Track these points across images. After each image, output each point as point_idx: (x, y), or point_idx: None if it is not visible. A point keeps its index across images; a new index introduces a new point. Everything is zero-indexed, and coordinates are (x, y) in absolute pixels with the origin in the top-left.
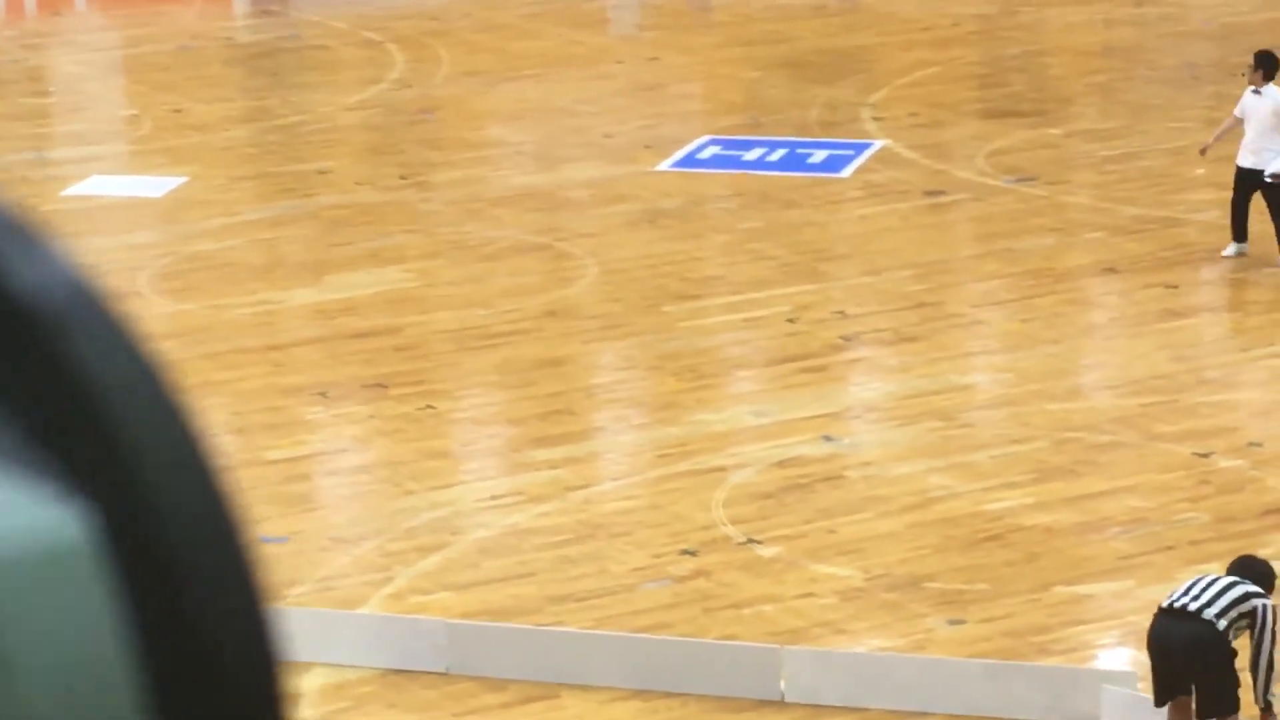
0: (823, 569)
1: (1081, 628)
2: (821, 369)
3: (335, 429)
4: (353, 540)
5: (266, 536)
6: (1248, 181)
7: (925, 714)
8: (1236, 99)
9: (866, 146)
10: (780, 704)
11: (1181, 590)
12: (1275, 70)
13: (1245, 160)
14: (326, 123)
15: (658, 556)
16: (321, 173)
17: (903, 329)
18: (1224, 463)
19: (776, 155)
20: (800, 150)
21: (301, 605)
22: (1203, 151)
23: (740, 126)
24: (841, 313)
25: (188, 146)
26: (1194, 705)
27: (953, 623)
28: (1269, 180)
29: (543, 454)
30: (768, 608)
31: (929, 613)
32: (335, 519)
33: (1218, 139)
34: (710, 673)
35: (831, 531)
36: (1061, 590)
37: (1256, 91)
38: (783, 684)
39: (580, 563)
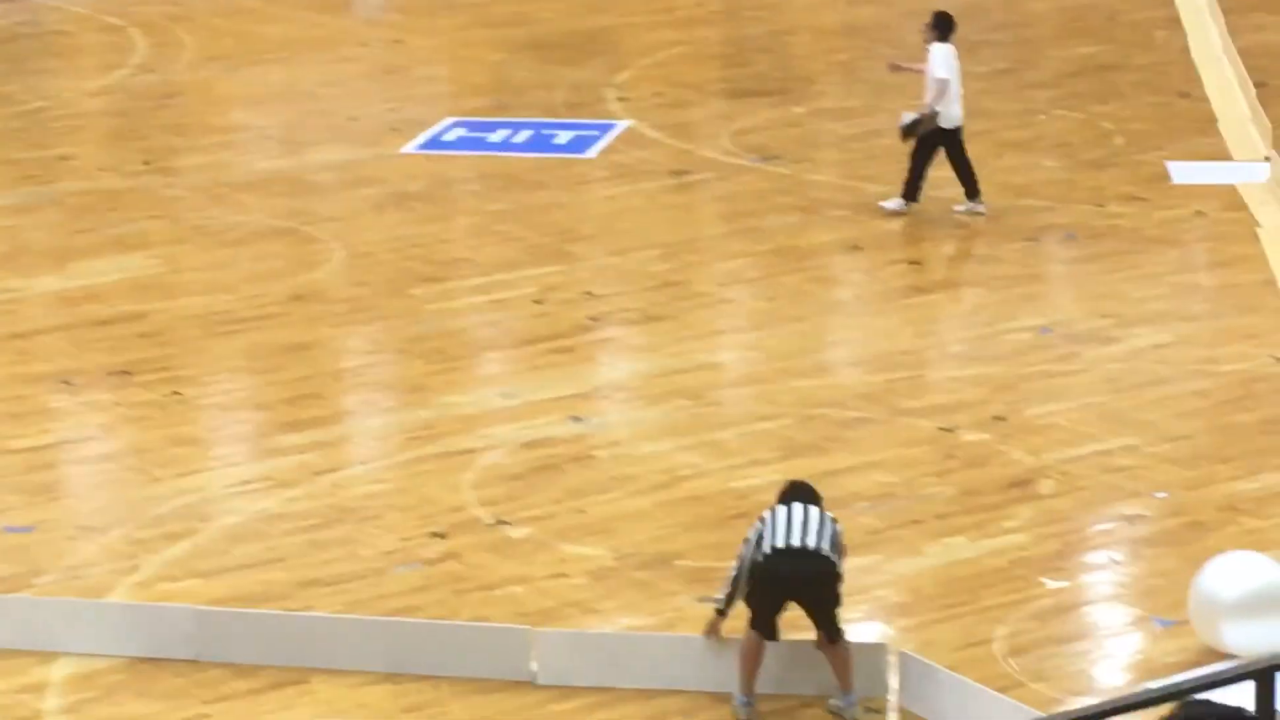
0: (573, 549)
1: None
2: (569, 350)
3: (80, 417)
4: (99, 529)
5: (12, 526)
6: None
7: (677, 691)
8: (977, 75)
9: (611, 127)
10: (532, 685)
11: (784, 530)
12: (949, 31)
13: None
14: (68, 109)
15: (407, 540)
16: (64, 159)
17: (649, 309)
18: (969, 436)
19: (522, 137)
20: (546, 131)
21: (48, 595)
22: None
23: (485, 108)
24: (589, 293)
25: None
26: (820, 630)
27: (703, 600)
28: (902, 129)
29: (291, 439)
30: (518, 589)
31: (679, 590)
32: (81, 508)
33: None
34: (461, 655)
35: (581, 511)
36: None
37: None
38: (534, 665)
39: (329, 547)
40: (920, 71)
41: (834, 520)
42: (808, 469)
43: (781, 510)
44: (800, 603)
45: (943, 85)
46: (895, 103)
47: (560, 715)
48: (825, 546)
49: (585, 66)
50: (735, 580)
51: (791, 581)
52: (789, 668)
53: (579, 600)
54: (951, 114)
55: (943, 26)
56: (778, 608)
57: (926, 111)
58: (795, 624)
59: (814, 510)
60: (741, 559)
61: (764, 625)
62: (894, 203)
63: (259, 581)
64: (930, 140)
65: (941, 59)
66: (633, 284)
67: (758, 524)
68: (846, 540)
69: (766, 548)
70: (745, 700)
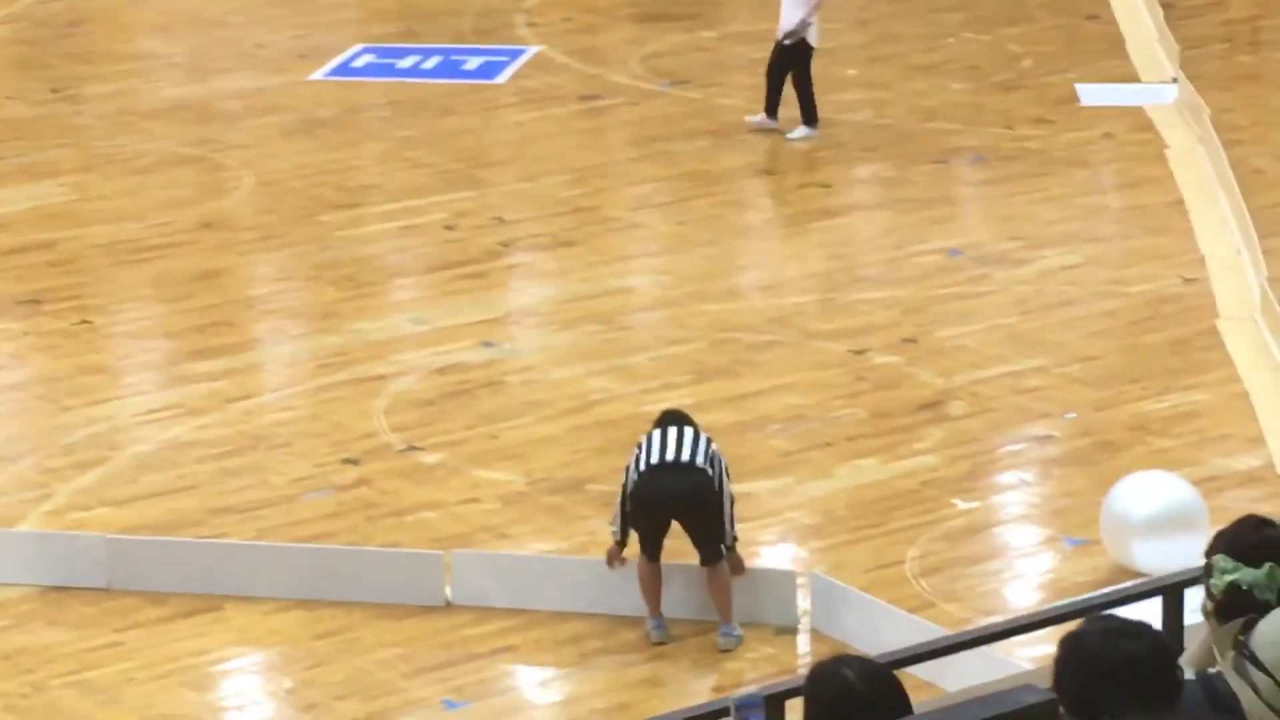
0: (485, 474)
1: (742, 525)
2: (481, 275)
3: None
4: (10, 458)
5: None
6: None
7: (591, 615)
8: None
9: (521, 52)
10: (446, 608)
11: (659, 447)
12: None
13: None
14: None
15: (319, 466)
16: None
17: (560, 234)
18: (879, 359)
19: (431, 63)
20: (455, 58)
21: None
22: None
23: (394, 35)
24: (499, 219)
25: None
26: (700, 550)
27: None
28: (784, 41)
29: (201, 366)
30: (431, 514)
31: (591, 515)
32: None
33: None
34: (374, 580)
35: (493, 437)
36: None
37: None
38: (448, 589)
39: (241, 474)
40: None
41: (710, 441)
42: (719, 392)
43: (656, 433)
44: (680, 521)
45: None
46: None
47: (474, 639)
48: (699, 461)
49: None
50: (621, 505)
51: (667, 499)
52: (698, 592)
53: (492, 525)
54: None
55: None
56: (658, 527)
57: (805, 21)
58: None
59: (689, 430)
60: (623, 485)
61: (648, 547)
62: (801, 131)
63: (170, 509)
64: (799, 56)
65: None
66: (543, 209)
67: (635, 449)
68: (730, 464)
69: (641, 466)
70: (656, 623)
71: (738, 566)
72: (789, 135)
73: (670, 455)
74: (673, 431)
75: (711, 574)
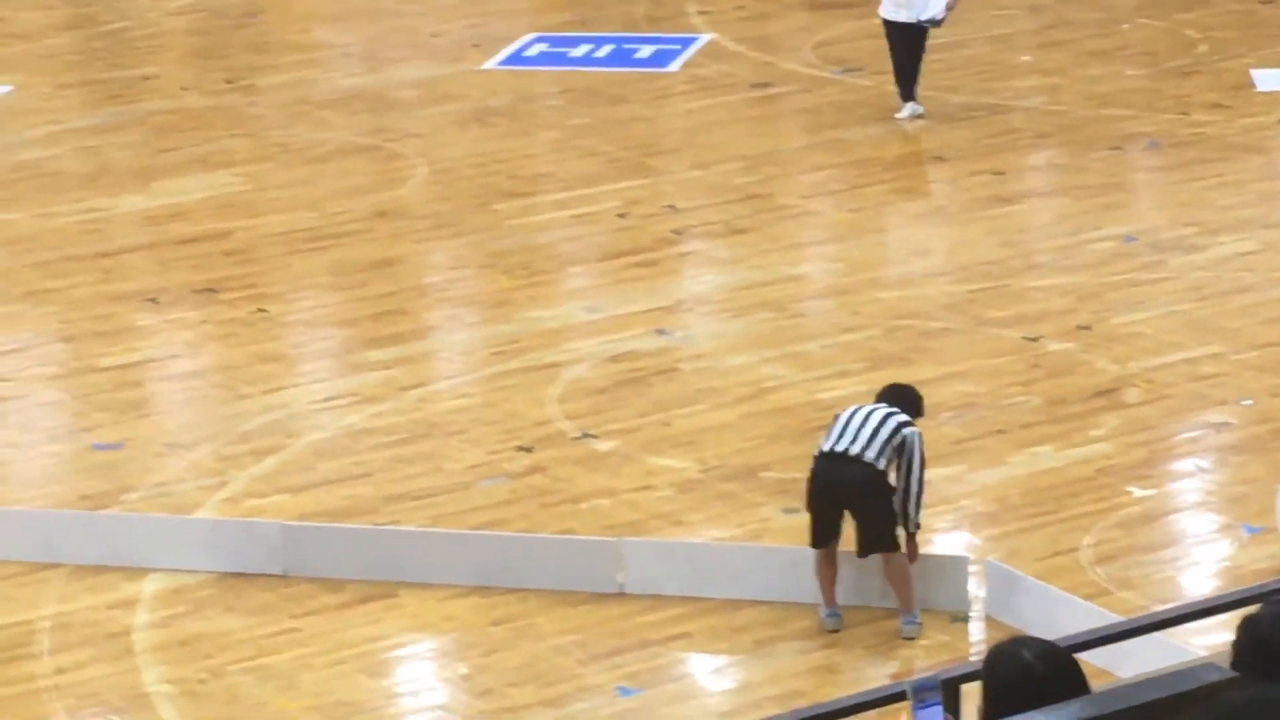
0: (658, 461)
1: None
2: (653, 263)
3: (167, 335)
4: (187, 445)
5: (100, 444)
6: (895, 33)
7: (764, 603)
8: None
9: (693, 40)
10: (620, 595)
11: (838, 433)
12: None
13: (896, 15)
14: (151, 28)
15: (493, 453)
16: (147, 78)
17: (733, 221)
18: (1053, 346)
19: (603, 51)
20: (627, 46)
21: (137, 511)
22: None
23: (567, 24)
24: (672, 207)
25: (11, 55)
26: (857, 542)
27: (788, 511)
28: (925, 24)
29: (376, 355)
30: (604, 501)
31: (765, 502)
32: (169, 425)
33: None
34: (548, 567)
35: (666, 424)
36: None
37: None
38: (621, 576)
39: (415, 462)
40: None
41: (904, 425)
42: (892, 380)
43: (845, 413)
44: (848, 510)
45: None
46: (976, 13)
47: (647, 626)
48: (871, 453)
49: None
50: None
51: (832, 489)
52: (873, 579)
53: (665, 512)
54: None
55: None
56: (825, 514)
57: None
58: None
59: (878, 414)
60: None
61: (818, 533)
62: (908, 109)
63: (345, 496)
64: (921, 35)
65: None
66: (716, 197)
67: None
68: (925, 450)
69: (816, 450)
70: (829, 612)
71: (913, 554)
72: (898, 115)
73: (842, 444)
74: (860, 415)
75: (886, 564)
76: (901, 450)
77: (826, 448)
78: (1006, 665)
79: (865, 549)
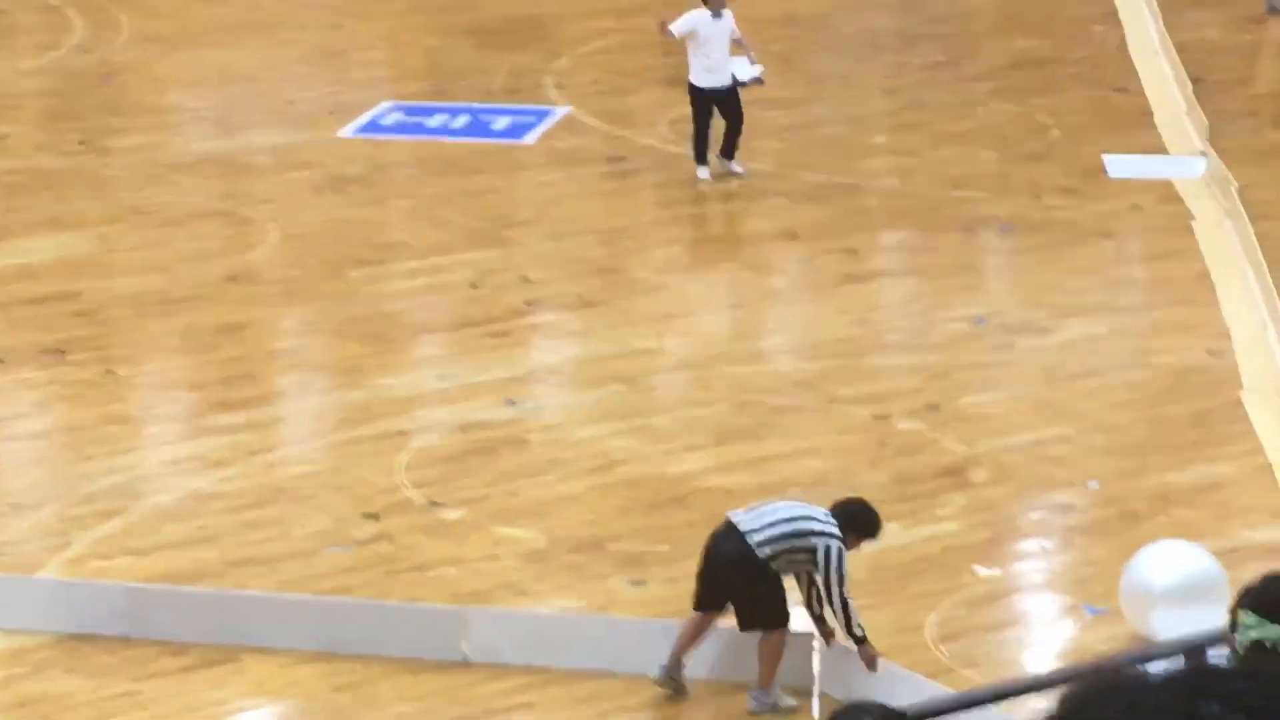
0: (505, 531)
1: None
2: (505, 334)
3: (13, 394)
4: (31, 505)
5: None
6: (708, 101)
7: (608, 674)
8: (916, 66)
9: (549, 113)
10: (464, 664)
11: (749, 509)
12: None
13: (706, 81)
14: (4, 88)
15: (340, 520)
16: (0, 138)
17: (585, 294)
18: (902, 425)
19: (460, 122)
20: (484, 117)
21: None
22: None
23: (423, 93)
24: (525, 278)
25: None
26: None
27: (635, 583)
28: (741, 84)
29: (225, 419)
30: (451, 570)
31: (611, 574)
32: (13, 484)
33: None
34: (393, 635)
35: (514, 494)
36: None
37: (717, 15)
38: (465, 645)
39: (262, 527)
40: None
41: (820, 536)
42: (741, 454)
43: (778, 498)
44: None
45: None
46: (832, 93)
47: (491, 695)
48: (758, 538)
49: (523, 53)
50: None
51: (708, 556)
52: (727, 651)
53: (511, 582)
54: None
55: None
56: (702, 579)
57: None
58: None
59: (798, 513)
60: None
61: (695, 595)
62: (704, 173)
63: (191, 559)
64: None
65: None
66: (569, 269)
67: None
68: (835, 562)
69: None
70: (662, 666)
71: (869, 661)
72: (701, 176)
73: (738, 518)
74: (782, 505)
75: (760, 640)
76: (815, 559)
77: (729, 516)
78: None
79: (741, 624)
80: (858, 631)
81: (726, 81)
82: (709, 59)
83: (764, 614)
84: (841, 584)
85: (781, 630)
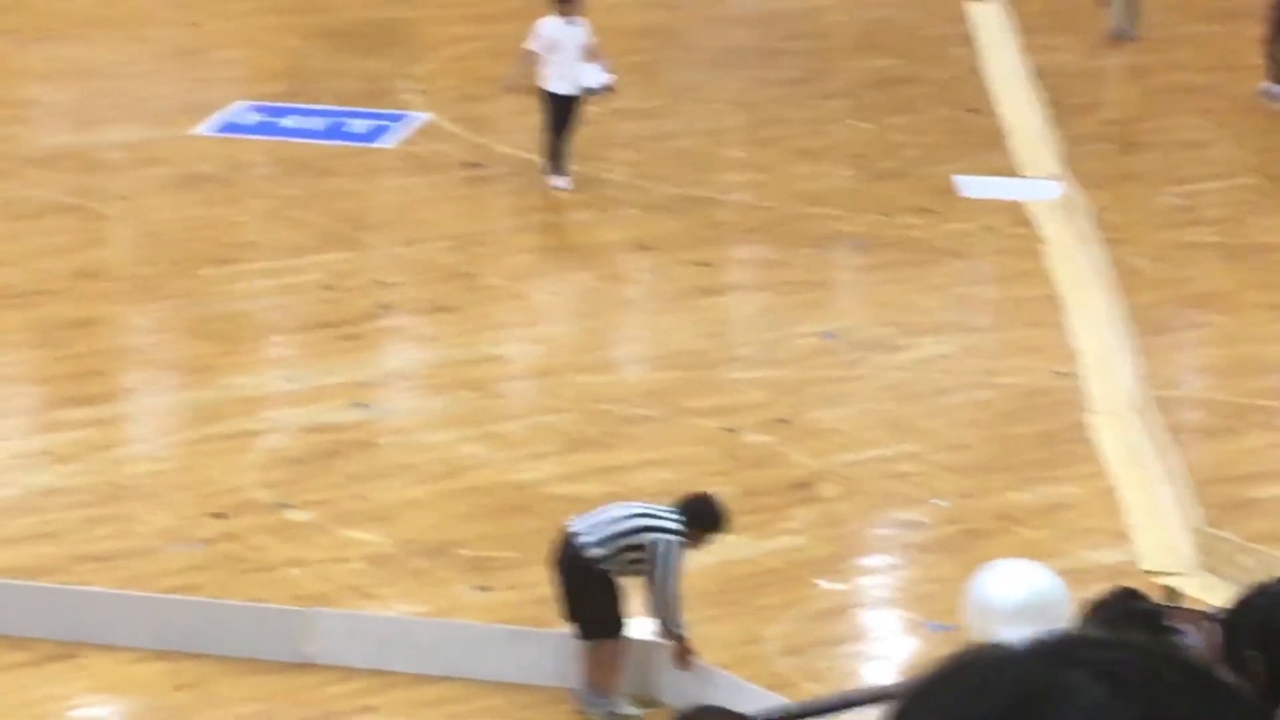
0: (352, 534)
1: None
2: (356, 336)
3: None
4: None
5: None
6: (563, 106)
7: (451, 678)
8: (773, 82)
9: (408, 118)
10: (308, 666)
11: (585, 515)
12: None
13: (560, 87)
14: None
15: (186, 519)
16: None
17: (438, 299)
18: (751, 438)
19: (316, 123)
20: (341, 119)
21: None
22: (510, 87)
23: (281, 94)
24: (378, 281)
25: None
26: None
27: (480, 589)
28: (590, 91)
29: (71, 414)
30: (296, 571)
31: (457, 579)
32: None
33: (521, 74)
34: (237, 635)
35: (362, 497)
36: None
37: (570, 22)
38: (309, 647)
39: (106, 523)
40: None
41: (655, 532)
42: (589, 463)
43: (614, 503)
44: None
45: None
46: (688, 106)
47: (334, 697)
48: (591, 539)
49: (383, 57)
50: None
51: (551, 564)
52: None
53: (357, 585)
54: None
55: None
56: (556, 589)
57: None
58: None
59: (632, 512)
60: None
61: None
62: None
63: (33, 555)
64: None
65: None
66: (422, 274)
67: None
68: (665, 557)
69: None
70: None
71: (683, 661)
72: (557, 184)
73: (574, 526)
74: (615, 508)
75: (596, 649)
76: (647, 553)
77: (567, 525)
78: None
79: (575, 631)
80: (677, 630)
81: (575, 90)
82: (560, 66)
83: (597, 621)
84: (668, 578)
85: (615, 639)
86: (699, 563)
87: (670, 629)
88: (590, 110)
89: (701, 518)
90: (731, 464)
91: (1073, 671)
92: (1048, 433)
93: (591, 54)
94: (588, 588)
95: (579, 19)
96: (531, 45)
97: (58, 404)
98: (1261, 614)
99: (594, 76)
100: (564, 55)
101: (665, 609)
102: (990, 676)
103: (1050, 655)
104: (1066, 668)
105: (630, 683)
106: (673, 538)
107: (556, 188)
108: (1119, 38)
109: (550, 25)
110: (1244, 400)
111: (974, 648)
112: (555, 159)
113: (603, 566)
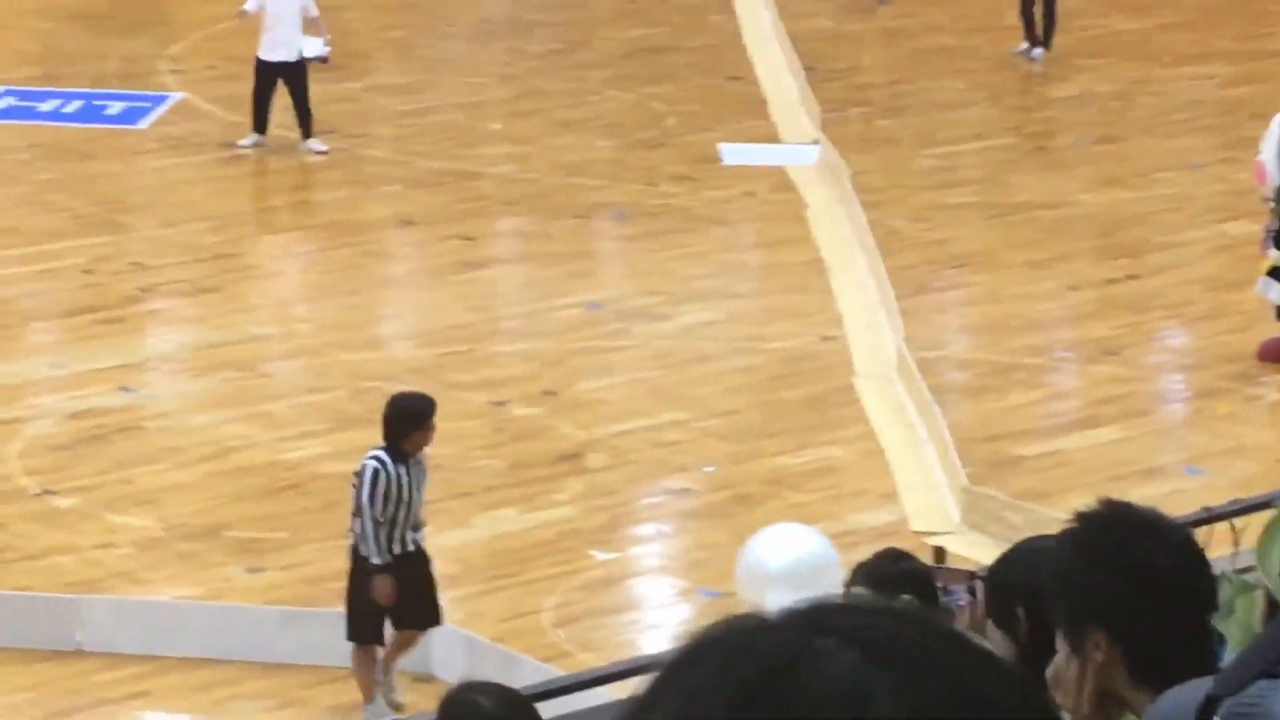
0: (120, 519)
1: None
2: (119, 320)
3: None
4: None
5: None
6: (273, 74)
7: (223, 660)
8: (531, 54)
9: (164, 99)
10: (77, 653)
11: None
12: None
13: (273, 55)
14: None
15: None
16: None
17: (200, 280)
18: (518, 411)
19: (72, 107)
20: (97, 102)
21: None
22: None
23: (35, 78)
24: (139, 264)
25: None
26: None
27: (251, 571)
28: (307, 60)
29: None
30: (64, 559)
31: (227, 561)
32: None
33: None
34: (4, 624)
35: (128, 482)
36: None
37: None
38: (79, 634)
39: None
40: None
41: (368, 459)
42: (358, 441)
43: None
44: None
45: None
46: (447, 79)
47: (106, 684)
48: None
49: (137, 38)
50: None
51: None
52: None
53: (126, 570)
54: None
55: None
56: None
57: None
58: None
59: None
60: None
61: None
62: (250, 139)
63: None
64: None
65: None
66: (183, 256)
67: None
68: (364, 477)
69: None
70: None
71: (380, 593)
72: (241, 143)
73: None
74: None
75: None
76: (356, 482)
77: None
78: (462, 711)
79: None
80: (375, 559)
81: (293, 57)
82: (275, 33)
83: (350, 616)
84: (368, 502)
85: (365, 646)
86: (470, 537)
87: (370, 560)
88: (351, 87)
89: (404, 415)
90: (500, 437)
91: (824, 639)
92: (815, 397)
93: (315, 25)
94: (349, 580)
95: None
96: (248, 7)
97: None
98: (1026, 570)
99: (312, 47)
100: (280, 23)
101: (365, 537)
102: (741, 647)
103: (802, 624)
104: (818, 635)
105: (405, 662)
106: (372, 458)
107: (243, 145)
108: (882, 2)
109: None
110: (1006, 359)
111: (728, 619)
112: (258, 119)
113: (351, 542)
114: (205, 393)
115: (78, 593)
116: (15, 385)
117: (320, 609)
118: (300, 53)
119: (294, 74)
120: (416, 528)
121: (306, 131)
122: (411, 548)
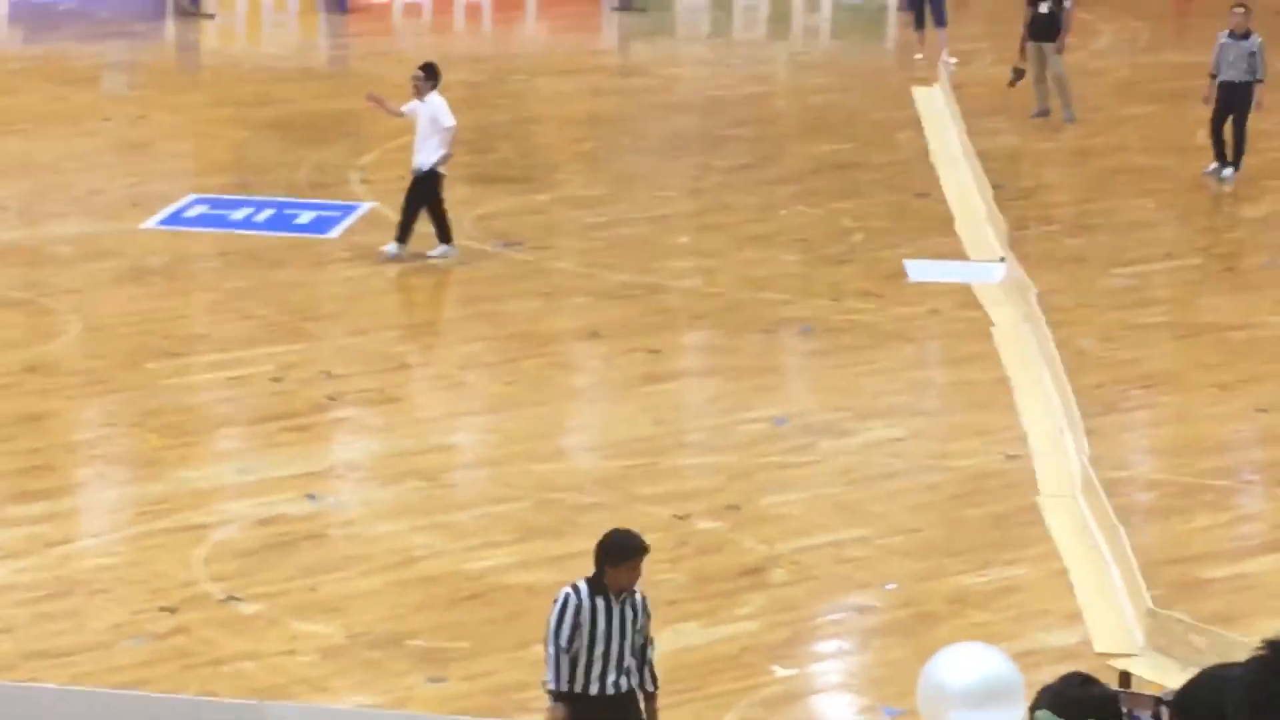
0: (304, 626)
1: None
2: (306, 428)
3: None
4: None
5: None
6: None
7: None
8: (719, 168)
9: (354, 208)
10: None
11: None
12: (437, 80)
13: (415, 161)
14: None
15: (137, 613)
16: None
17: (387, 389)
18: (702, 524)
19: (264, 215)
20: (288, 211)
21: None
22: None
23: (228, 186)
24: (327, 372)
25: None
26: None
27: (433, 680)
28: (417, 173)
29: (21, 510)
30: (248, 664)
31: (410, 670)
32: None
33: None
34: None
35: (313, 589)
36: (540, 649)
37: (422, 100)
38: None
39: (58, 619)
40: (397, 114)
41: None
42: (542, 552)
43: None
44: None
45: (453, 131)
46: (636, 193)
47: None
48: None
49: (329, 148)
50: None
51: None
52: None
53: (309, 678)
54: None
55: (436, 76)
56: None
57: (446, 156)
58: None
59: None
60: None
61: None
62: (392, 247)
63: None
64: (430, 185)
65: (446, 107)
66: (371, 364)
67: None
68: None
69: None
70: None
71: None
72: (430, 254)
73: None
74: None
75: None
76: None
77: None
78: None
79: None
80: (547, 686)
81: (424, 165)
82: (418, 141)
83: None
84: (554, 629)
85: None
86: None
87: (545, 686)
88: (538, 199)
89: (606, 550)
90: (683, 550)
91: None
92: (998, 515)
93: (447, 132)
94: None
95: (432, 97)
96: (452, 120)
97: (7, 499)
98: (1212, 696)
99: (430, 154)
100: (420, 132)
101: (546, 657)
102: None
103: None
104: None
105: None
106: (570, 586)
107: (432, 257)
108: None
109: (412, 104)
110: (1193, 480)
111: None
112: (440, 229)
113: None
114: (391, 501)
115: (262, 699)
116: (203, 491)
117: (501, 719)
118: (421, 166)
119: (416, 183)
120: (625, 671)
121: (404, 237)
122: (611, 691)
